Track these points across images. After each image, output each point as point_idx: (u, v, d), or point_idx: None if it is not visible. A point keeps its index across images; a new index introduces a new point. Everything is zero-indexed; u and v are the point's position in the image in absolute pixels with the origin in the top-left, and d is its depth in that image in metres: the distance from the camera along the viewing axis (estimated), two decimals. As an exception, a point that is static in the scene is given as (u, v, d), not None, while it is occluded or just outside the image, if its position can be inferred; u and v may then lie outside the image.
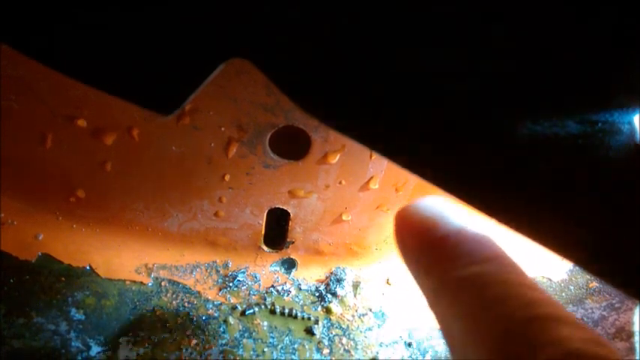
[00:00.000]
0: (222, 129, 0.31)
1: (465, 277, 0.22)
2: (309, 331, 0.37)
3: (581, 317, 0.37)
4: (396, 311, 0.39)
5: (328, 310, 0.38)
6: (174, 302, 0.36)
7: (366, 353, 0.37)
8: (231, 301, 0.37)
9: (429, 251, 0.25)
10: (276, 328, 0.37)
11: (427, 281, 0.25)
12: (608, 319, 0.36)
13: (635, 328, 0.35)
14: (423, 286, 0.25)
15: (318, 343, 0.37)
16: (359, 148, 0.32)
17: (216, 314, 0.36)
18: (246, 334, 0.36)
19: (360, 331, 0.38)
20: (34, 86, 0.29)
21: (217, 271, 0.38)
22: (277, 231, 0.39)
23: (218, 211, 0.36)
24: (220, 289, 0.38)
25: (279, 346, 0.36)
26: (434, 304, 0.24)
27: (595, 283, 0.38)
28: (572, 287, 0.38)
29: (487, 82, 0.17)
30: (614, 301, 0.36)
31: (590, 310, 0.37)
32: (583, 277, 0.39)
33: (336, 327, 0.37)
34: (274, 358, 0.36)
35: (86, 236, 0.36)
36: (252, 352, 0.35)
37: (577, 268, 0.38)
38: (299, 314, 0.37)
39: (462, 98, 0.18)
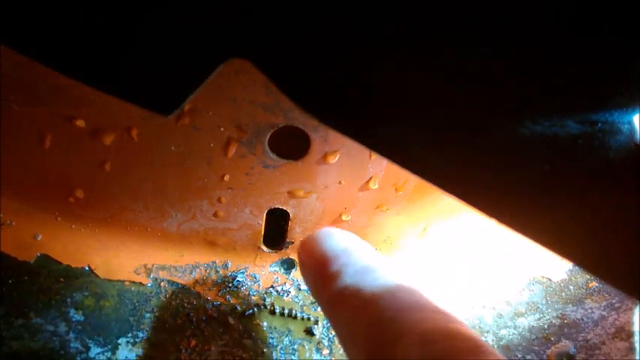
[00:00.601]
0: (222, 129, 0.31)
1: (341, 292, 0.25)
2: (309, 332, 0.37)
3: (581, 317, 0.37)
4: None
5: (328, 311, 0.38)
6: (173, 303, 0.36)
7: (366, 353, 0.37)
8: (231, 301, 0.37)
9: (318, 274, 0.27)
10: (275, 328, 0.37)
11: (321, 303, 0.27)
12: (608, 319, 0.36)
13: (635, 328, 0.35)
14: (323, 310, 0.28)
15: (318, 343, 0.37)
16: (359, 148, 0.32)
17: (215, 315, 0.36)
18: (245, 335, 0.36)
19: (360, 332, 0.37)
20: (33, 86, 0.29)
21: (217, 272, 0.38)
22: (277, 231, 0.39)
23: (217, 211, 0.36)
24: (220, 290, 0.38)
25: (279, 347, 0.36)
26: (332, 326, 0.26)
27: (595, 283, 0.38)
28: (572, 287, 0.38)
29: (486, 82, 0.17)
30: (614, 301, 0.36)
31: (589, 310, 0.37)
32: (583, 277, 0.38)
33: (336, 327, 0.37)
34: (274, 358, 0.35)
35: (85, 237, 0.36)
36: (251, 353, 0.35)
37: (577, 268, 0.38)
38: (299, 314, 0.37)
39: (461, 98, 0.18)
